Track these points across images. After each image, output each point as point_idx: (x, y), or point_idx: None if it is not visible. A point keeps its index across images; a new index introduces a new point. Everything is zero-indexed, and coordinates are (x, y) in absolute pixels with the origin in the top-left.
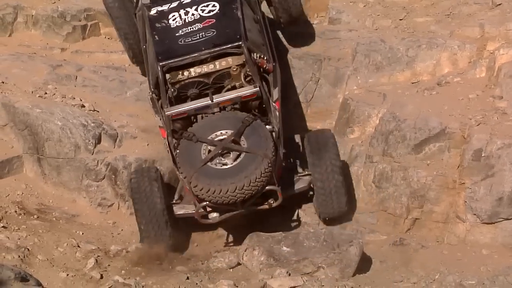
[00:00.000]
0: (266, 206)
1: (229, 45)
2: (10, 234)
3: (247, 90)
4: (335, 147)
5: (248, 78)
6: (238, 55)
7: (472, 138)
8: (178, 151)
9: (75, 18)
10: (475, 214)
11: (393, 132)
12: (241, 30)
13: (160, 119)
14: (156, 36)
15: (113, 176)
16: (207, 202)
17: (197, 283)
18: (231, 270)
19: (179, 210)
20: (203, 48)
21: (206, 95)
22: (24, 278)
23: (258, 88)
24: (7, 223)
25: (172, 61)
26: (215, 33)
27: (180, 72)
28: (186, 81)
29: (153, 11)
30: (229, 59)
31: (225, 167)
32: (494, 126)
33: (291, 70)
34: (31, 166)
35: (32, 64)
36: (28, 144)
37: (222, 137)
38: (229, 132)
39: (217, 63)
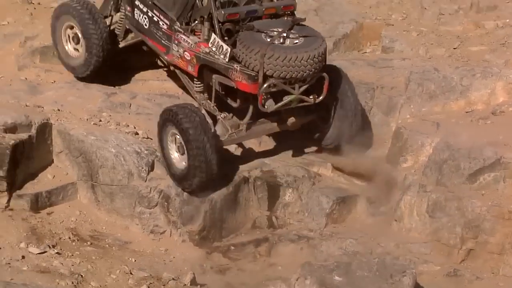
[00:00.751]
0: (311, 99)
1: None
2: (64, 261)
3: (288, 1)
4: (349, 79)
5: None
6: None
7: None
8: (239, 40)
9: None
10: None
11: (447, 162)
12: None
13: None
14: None
15: (166, 203)
16: (274, 81)
17: None
18: None
19: (226, 139)
20: None
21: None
22: None
23: (295, 1)
24: (61, 249)
25: None
26: None
27: None
28: None
29: None
30: None
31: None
32: None
33: None
34: (85, 193)
35: (87, 92)
36: (83, 171)
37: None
38: (280, 30)
39: None
